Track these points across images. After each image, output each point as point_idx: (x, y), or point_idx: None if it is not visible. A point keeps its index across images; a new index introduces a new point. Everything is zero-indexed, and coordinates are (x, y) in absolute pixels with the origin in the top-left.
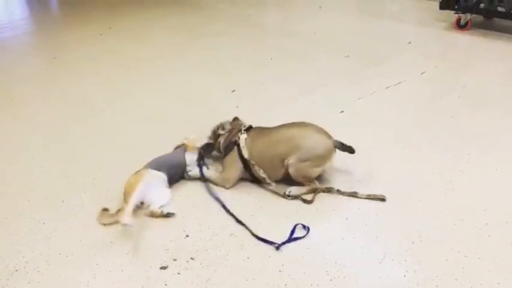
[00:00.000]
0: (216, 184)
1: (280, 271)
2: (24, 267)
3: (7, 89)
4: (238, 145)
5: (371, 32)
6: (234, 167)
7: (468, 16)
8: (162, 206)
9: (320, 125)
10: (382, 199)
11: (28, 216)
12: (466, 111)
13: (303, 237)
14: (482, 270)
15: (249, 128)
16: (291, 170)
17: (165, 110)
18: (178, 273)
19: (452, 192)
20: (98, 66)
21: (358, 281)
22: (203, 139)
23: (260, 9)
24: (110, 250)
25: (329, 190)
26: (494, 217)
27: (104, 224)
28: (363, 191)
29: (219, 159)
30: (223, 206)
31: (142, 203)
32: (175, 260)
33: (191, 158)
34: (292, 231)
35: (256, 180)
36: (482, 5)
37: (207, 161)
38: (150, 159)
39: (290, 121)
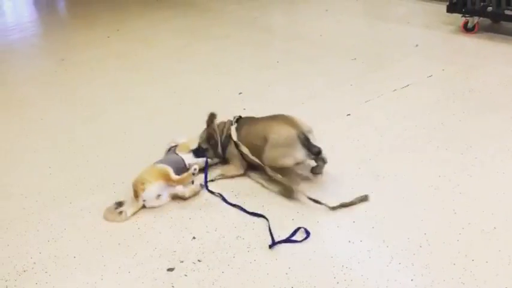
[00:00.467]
0: (228, 176)
1: (286, 274)
2: (32, 268)
3: (15, 91)
4: (229, 137)
5: (378, 35)
6: (238, 157)
7: (475, 19)
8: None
9: (296, 117)
10: (365, 199)
11: (36, 217)
12: (473, 114)
13: (300, 241)
14: (490, 274)
15: (239, 119)
16: (264, 160)
17: (172, 112)
18: (185, 275)
19: (460, 196)
20: (105, 68)
21: (365, 284)
22: (193, 140)
23: (266, 11)
24: (117, 251)
25: (317, 202)
26: (502, 221)
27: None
28: (369, 194)
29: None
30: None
31: (159, 195)
32: (182, 262)
33: (187, 157)
34: (293, 234)
35: (256, 168)
36: (489, 8)
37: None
38: (157, 160)
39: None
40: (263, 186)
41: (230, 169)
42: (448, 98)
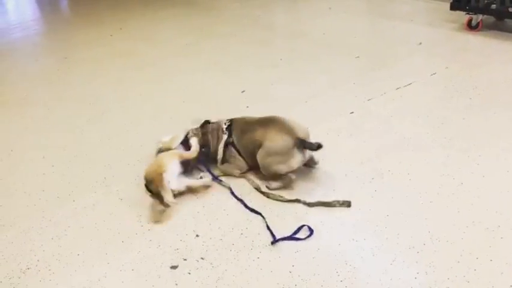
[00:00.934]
0: (229, 174)
1: (290, 272)
2: (36, 266)
3: (18, 89)
4: (227, 144)
5: (381, 33)
6: (236, 158)
7: (479, 17)
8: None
9: (292, 120)
10: (348, 205)
11: (40, 215)
12: (477, 112)
13: (304, 238)
14: (495, 273)
15: (230, 125)
16: (260, 167)
17: (175, 110)
18: (189, 273)
19: (464, 194)
20: (108, 66)
21: (368, 282)
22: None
23: (269, 10)
24: (121, 249)
25: (297, 201)
26: (507, 219)
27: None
28: (372, 192)
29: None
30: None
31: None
32: (185, 259)
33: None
34: (296, 231)
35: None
36: (493, 6)
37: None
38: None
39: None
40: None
41: (231, 168)
42: (451, 96)
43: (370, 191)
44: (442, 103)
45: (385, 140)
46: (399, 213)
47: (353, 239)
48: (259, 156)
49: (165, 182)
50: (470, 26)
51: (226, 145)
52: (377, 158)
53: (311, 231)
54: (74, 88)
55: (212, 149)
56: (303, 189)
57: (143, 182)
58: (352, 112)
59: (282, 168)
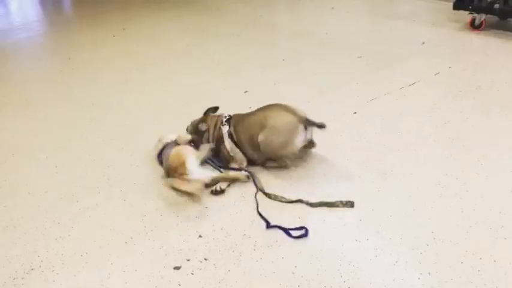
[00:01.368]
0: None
1: (293, 272)
2: (40, 267)
3: (22, 90)
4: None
5: (384, 33)
6: (236, 154)
7: (482, 16)
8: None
9: (293, 105)
10: (351, 205)
11: (43, 216)
12: (481, 112)
13: (296, 237)
14: (498, 273)
15: (229, 119)
16: (261, 148)
17: (178, 111)
18: (192, 274)
19: (467, 194)
20: (111, 67)
21: (371, 283)
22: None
23: (272, 9)
24: (124, 250)
25: (300, 201)
26: (510, 219)
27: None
28: (375, 192)
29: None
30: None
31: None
32: (188, 260)
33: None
34: (296, 229)
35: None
36: (496, 5)
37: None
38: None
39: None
40: (267, 185)
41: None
42: (455, 96)
43: (373, 191)
44: (446, 103)
45: (388, 140)
46: (402, 214)
47: (356, 240)
48: (263, 135)
49: (189, 169)
50: (474, 26)
51: (220, 139)
52: (380, 158)
53: (306, 232)
54: (77, 89)
55: (210, 138)
56: (305, 189)
57: (164, 176)
58: (355, 112)
59: (285, 147)
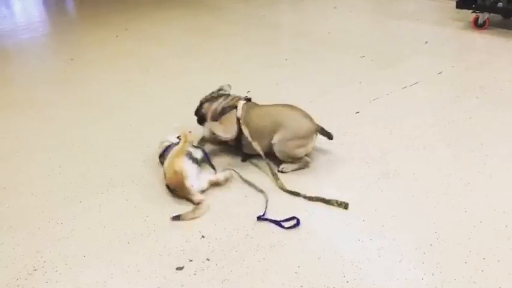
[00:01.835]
0: (217, 134)
1: (296, 272)
2: (43, 267)
3: (25, 90)
4: (236, 108)
5: (387, 32)
6: (231, 124)
7: (486, 15)
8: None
9: (309, 112)
10: (345, 206)
11: (46, 216)
12: (484, 111)
13: (288, 227)
14: (502, 273)
15: (248, 100)
16: (275, 149)
17: (181, 111)
18: (194, 274)
19: (471, 194)
20: (114, 67)
21: (374, 283)
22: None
23: (274, 9)
24: (127, 250)
25: (297, 194)
26: None
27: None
28: (378, 192)
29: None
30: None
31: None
32: (191, 260)
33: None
34: (285, 220)
35: (244, 155)
36: (500, 4)
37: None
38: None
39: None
40: (270, 185)
41: (218, 128)
42: (458, 95)
43: (376, 191)
44: (449, 102)
45: (391, 139)
46: (405, 214)
47: (359, 240)
48: (279, 137)
49: (189, 187)
50: (477, 25)
51: (228, 107)
52: (383, 158)
53: (297, 222)
54: (81, 89)
55: (217, 109)
56: (307, 188)
57: (165, 184)
58: (358, 112)
59: (299, 151)
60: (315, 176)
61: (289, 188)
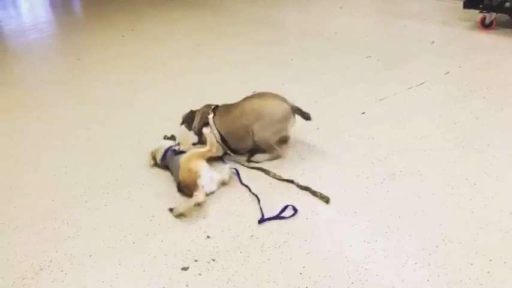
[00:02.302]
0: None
1: (301, 273)
2: (49, 267)
3: (31, 90)
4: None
5: (393, 32)
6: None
7: (493, 15)
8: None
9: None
10: (327, 201)
11: (52, 216)
12: (491, 112)
13: (289, 217)
14: (508, 275)
15: (216, 108)
16: (256, 138)
17: (186, 111)
18: (200, 274)
19: (477, 195)
20: (120, 67)
21: (380, 284)
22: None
23: (280, 9)
24: (132, 250)
25: (291, 181)
26: None
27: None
28: (384, 193)
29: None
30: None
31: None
32: (196, 261)
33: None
34: (282, 211)
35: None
36: (507, 4)
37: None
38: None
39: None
40: (271, 185)
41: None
42: (464, 96)
43: (381, 192)
44: (455, 103)
45: (397, 140)
46: (411, 215)
47: (364, 241)
48: (259, 126)
49: (201, 187)
50: (484, 25)
51: (205, 125)
52: (389, 159)
53: (295, 210)
54: (87, 89)
55: (197, 126)
56: (313, 188)
57: (175, 185)
58: (364, 112)
59: (277, 135)
60: (320, 176)
61: (292, 188)
